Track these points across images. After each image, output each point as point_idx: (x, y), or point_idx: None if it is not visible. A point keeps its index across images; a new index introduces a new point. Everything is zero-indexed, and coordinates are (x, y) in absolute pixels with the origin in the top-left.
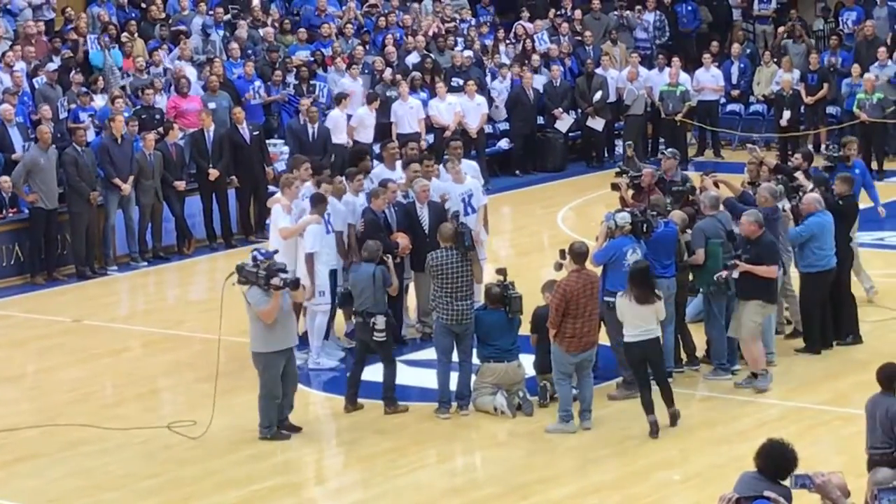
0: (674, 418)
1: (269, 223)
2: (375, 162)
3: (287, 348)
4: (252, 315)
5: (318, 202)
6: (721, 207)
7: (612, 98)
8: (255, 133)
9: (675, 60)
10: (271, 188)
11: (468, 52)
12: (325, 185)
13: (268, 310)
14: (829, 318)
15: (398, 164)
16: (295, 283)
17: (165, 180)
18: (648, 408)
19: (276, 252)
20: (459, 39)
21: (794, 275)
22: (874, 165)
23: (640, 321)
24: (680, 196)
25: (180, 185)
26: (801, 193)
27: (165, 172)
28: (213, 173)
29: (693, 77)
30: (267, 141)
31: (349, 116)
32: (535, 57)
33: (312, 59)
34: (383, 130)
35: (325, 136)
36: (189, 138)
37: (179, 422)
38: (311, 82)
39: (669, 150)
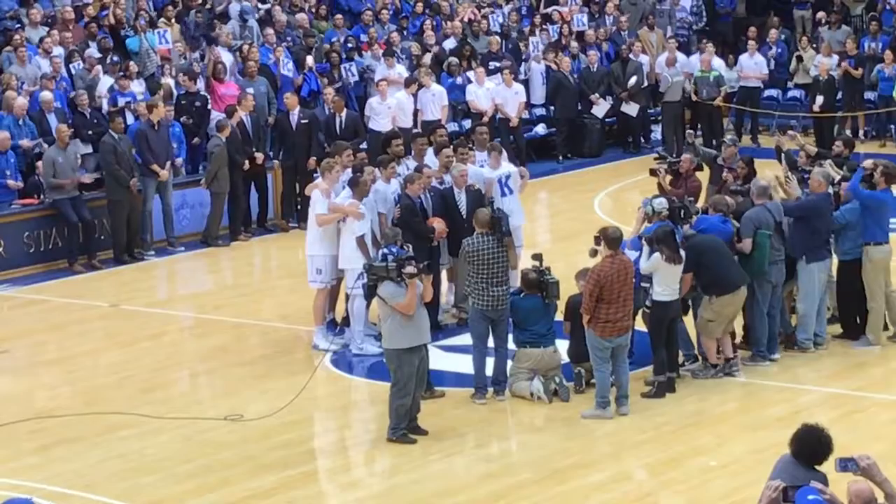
0: (661, 387)
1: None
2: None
3: (421, 345)
4: (385, 312)
5: (355, 185)
6: (770, 197)
7: (649, 83)
8: (304, 121)
9: (709, 46)
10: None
11: (496, 37)
12: (368, 169)
13: (406, 301)
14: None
15: (425, 157)
16: (429, 270)
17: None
18: (661, 368)
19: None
20: (494, 25)
21: (833, 261)
22: None
23: (670, 282)
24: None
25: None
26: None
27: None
28: (259, 157)
29: (738, 62)
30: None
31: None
32: (574, 44)
33: (348, 45)
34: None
35: (355, 124)
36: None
37: (233, 415)
38: (344, 65)
39: (730, 137)
